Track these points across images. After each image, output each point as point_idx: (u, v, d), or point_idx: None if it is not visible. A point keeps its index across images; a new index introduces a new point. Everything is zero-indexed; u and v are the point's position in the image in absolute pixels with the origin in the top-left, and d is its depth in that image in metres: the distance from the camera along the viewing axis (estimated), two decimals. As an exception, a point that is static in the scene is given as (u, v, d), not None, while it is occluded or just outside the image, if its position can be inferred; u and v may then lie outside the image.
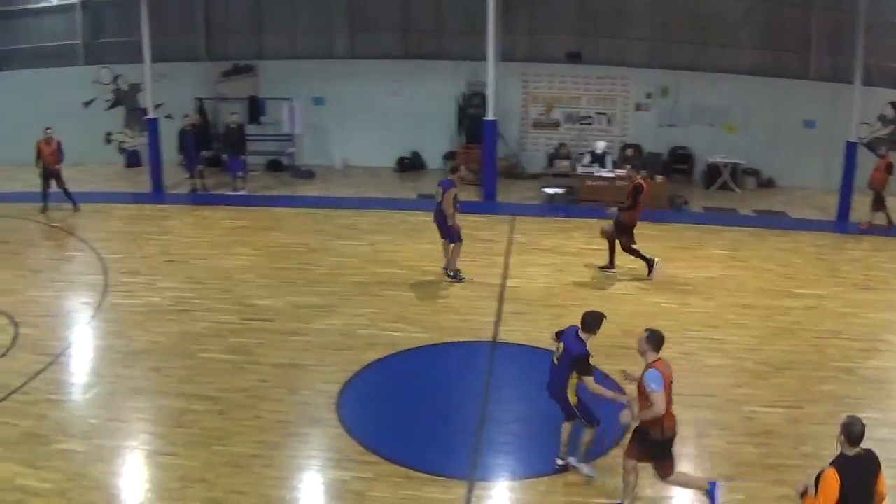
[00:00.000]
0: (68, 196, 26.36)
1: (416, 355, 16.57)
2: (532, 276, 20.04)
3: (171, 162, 29.99)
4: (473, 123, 27.91)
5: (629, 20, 27.06)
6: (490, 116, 25.92)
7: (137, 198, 28.33)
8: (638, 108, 27.36)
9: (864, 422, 9.11)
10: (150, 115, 28.85)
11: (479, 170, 27.04)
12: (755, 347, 16.97)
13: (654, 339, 11.03)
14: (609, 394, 11.95)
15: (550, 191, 25.65)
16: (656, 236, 22.79)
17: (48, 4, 32.90)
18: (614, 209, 19.84)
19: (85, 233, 24.58)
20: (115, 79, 32.59)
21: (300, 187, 28.54)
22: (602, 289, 19.39)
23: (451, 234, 19.69)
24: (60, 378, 16.13)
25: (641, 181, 19.79)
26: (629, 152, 26.08)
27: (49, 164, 26.10)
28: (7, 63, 33.41)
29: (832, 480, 8.90)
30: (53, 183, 26.16)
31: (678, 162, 28.43)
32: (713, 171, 28.03)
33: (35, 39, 33.33)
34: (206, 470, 12.89)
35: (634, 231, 19.96)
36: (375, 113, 30.15)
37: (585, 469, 12.59)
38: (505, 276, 20.22)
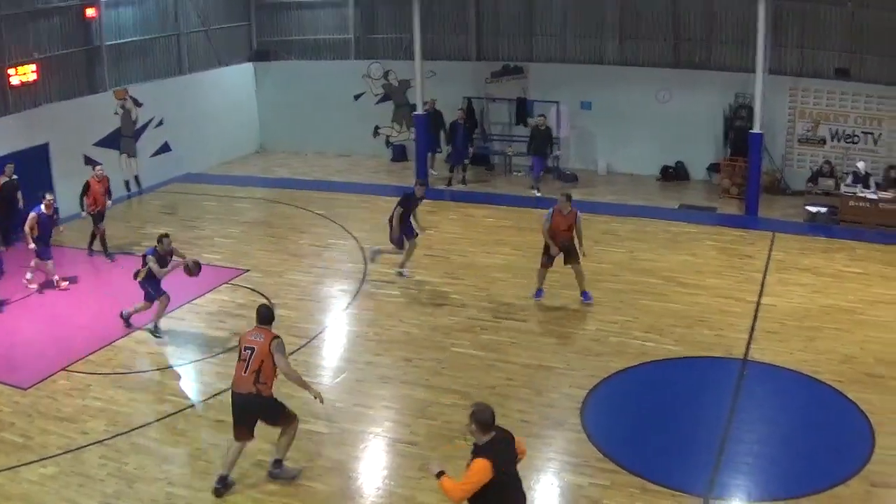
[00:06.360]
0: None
1: (665, 367, 16.37)
2: (788, 296, 19.38)
3: (437, 158, 30.87)
4: (739, 136, 27.31)
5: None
6: (756, 130, 25.42)
7: (401, 191, 28.98)
8: (904, 129, 26.42)
9: None
10: (419, 112, 29.55)
11: (742, 183, 26.77)
12: None
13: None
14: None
15: (813, 209, 24.96)
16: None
17: (322, -1, 34.41)
18: None
19: (348, 222, 25.49)
20: (386, 74, 33.52)
21: (543, 189, 28.29)
22: (859, 314, 18.48)
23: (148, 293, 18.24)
24: (311, 360, 16.81)
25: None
26: (894, 174, 25.16)
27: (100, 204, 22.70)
28: (281, 53, 34.98)
29: (484, 468, 8.98)
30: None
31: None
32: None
33: (309, 32, 34.75)
34: (446, 462, 12.58)
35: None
36: (641, 120, 29.76)
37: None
38: (761, 294, 19.65)
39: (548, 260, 19.13)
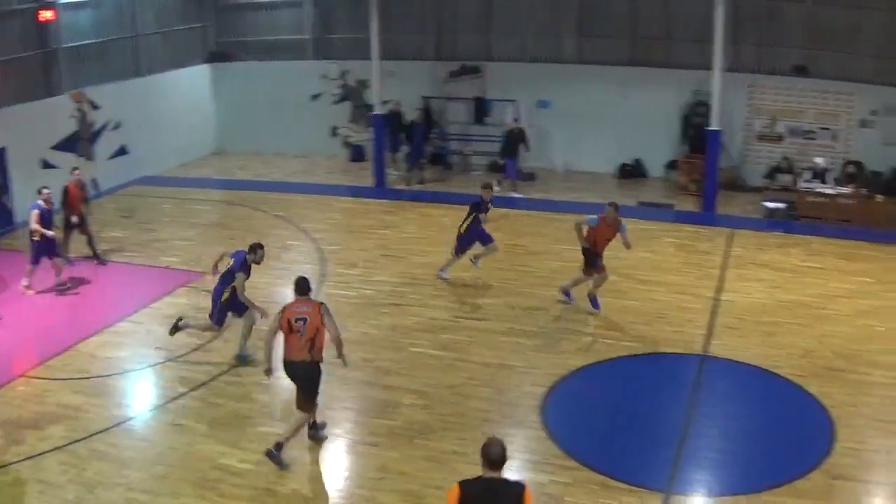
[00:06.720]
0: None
1: (625, 364, 16.41)
2: (747, 291, 19.58)
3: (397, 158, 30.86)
4: (697, 133, 27.50)
5: (857, 36, 26.26)
6: (714, 126, 25.56)
7: (359, 192, 29.07)
8: (862, 124, 26.59)
9: None
10: (377, 112, 29.44)
11: (700, 180, 26.90)
12: None
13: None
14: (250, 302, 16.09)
15: (771, 205, 25.11)
16: (875, 257, 21.91)
17: (280, -1, 34.27)
18: None
19: (305, 223, 25.36)
20: (343, 74, 33.44)
21: (521, 189, 28.54)
22: (817, 308, 18.67)
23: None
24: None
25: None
26: (851, 169, 25.42)
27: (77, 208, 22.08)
28: (238, 54, 34.84)
29: (451, 493, 8.45)
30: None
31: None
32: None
33: (266, 32, 34.62)
34: (405, 462, 13.08)
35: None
36: (599, 118, 29.83)
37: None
38: (720, 290, 19.81)
39: (589, 268, 18.80)
